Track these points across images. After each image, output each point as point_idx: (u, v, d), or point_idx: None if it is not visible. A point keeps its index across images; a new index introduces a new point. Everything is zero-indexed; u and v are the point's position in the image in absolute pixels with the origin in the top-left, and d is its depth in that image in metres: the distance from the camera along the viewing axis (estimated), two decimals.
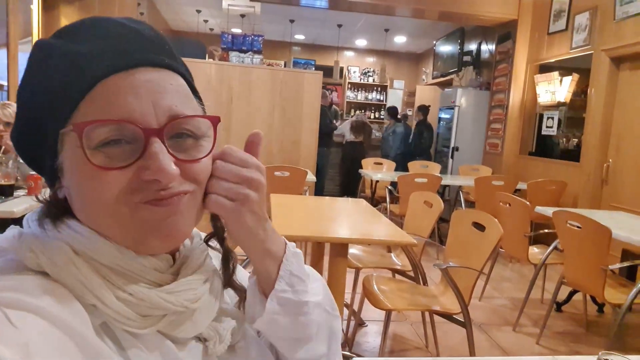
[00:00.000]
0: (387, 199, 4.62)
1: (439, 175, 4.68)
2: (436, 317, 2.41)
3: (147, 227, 0.44)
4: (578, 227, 2.49)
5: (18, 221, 0.47)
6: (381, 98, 10.20)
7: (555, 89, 5.01)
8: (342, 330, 2.66)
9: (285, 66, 9.35)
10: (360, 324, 2.85)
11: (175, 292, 0.46)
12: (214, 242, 0.58)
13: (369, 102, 10.19)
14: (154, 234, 0.44)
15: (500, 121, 6.05)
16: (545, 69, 5.35)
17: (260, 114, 5.29)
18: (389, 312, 2.20)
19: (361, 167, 5.77)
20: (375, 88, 10.24)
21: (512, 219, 3.12)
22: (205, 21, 8.87)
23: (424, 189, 3.60)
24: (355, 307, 2.74)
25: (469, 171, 5.79)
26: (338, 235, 2.05)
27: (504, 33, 6.09)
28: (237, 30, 8.21)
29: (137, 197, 0.43)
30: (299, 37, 9.77)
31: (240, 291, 0.58)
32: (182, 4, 7.81)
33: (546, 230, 3.26)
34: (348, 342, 2.61)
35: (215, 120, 0.49)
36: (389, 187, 4.73)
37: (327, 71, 8.71)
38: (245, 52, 5.83)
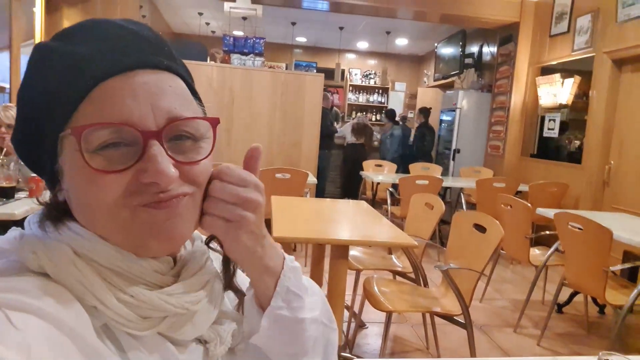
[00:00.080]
0: (388, 201, 4.62)
1: (440, 177, 4.68)
2: (437, 319, 2.41)
3: (146, 230, 0.44)
4: (579, 228, 2.49)
5: (19, 223, 0.47)
6: (382, 100, 10.20)
7: (557, 91, 5.01)
8: (343, 332, 2.66)
9: (286, 68, 9.37)
10: (361, 325, 2.85)
11: (175, 294, 0.46)
12: (214, 244, 0.59)
13: (371, 104, 10.20)
14: (154, 236, 0.45)
15: (501, 123, 6.04)
16: (546, 71, 5.34)
17: (262, 116, 5.30)
18: (389, 314, 2.20)
19: (362, 169, 5.77)
20: (376, 90, 10.24)
21: (514, 221, 3.12)
22: (207, 24, 8.89)
23: (425, 191, 3.60)
24: (356, 309, 2.74)
25: (470, 173, 5.78)
26: (339, 237, 2.05)
27: (506, 35, 6.09)
28: (238, 33, 8.23)
29: (136, 200, 0.43)
30: (301, 39, 9.79)
31: (241, 294, 0.58)
32: (184, 7, 7.83)
33: (547, 232, 3.26)
34: (349, 344, 2.61)
35: (214, 122, 0.48)
36: (390, 189, 4.73)
37: (329, 73, 8.71)
38: (246, 54, 5.84)
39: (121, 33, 0.45)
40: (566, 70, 4.99)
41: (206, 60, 6.26)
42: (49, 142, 0.44)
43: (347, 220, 2.46)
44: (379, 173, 5.62)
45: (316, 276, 2.71)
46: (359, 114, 9.77)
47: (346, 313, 2.82)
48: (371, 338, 2.79)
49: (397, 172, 5.87)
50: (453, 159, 6.38)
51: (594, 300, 3.29)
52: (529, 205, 3.08)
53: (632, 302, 2.26)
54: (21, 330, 0.35)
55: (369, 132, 7.27)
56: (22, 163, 2.13)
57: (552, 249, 2.90)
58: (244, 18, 7.60)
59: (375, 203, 5.01)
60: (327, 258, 2.20)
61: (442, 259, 4.24)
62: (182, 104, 0.46)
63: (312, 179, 4.10)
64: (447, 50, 7.74)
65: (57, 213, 0.47)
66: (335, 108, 8.37)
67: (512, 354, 2.68)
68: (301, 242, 4.26)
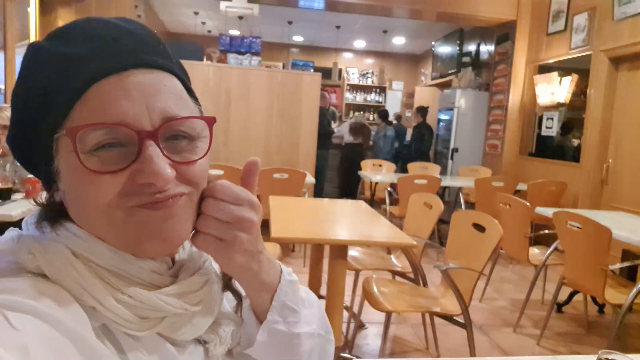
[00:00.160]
0: (387, 201, 4.61)
1: (439, 176, 4.68)
2: (436, 319, 2.40)
3: (143, 231, 0.44)
4: (578, 227, 2.49)
5: (16, 224, 0.47)
6: (380, 99, 10.21)
7: (555, 90, 5.02)
8: (342, 332, 2.65)
9: (283, 68, 9.36)
10: (360, 326, 2.84)
11: (174, 294, 0.46)
12: None
13: (368, 103, 10.20)
14: (150, 237, 0.44)
15: (499, 122, 6.05)
16: (544, 69, 5.35)
17: (259, 115, 5.29)
18: (389, 314, 2.19)
19: (360, 169, 5.76)
20: (374, 89, 10.25)
21: (512, 220, 3.11)
22: (203, 23, 8.87)
23: (424, 191, 3.60)
24: (355, 309, 2.73)
25: (468, 172, 5.78)
26: (337, 237, 2.04)
27: (503, 34, 6.09)
28: (235, 32, 8.22)
29: (131, 200, 0.43)
30: (297, 38, 9.78)
31: (239, 295, 0.58)
32: (180, 6, 7.82)
33: (546, 231, 3.26)
34: (348, 345, 2.60)
35: (210, 121, 0.48)
36: (389, 189, 4.73)
37: (326, 73, 8.71)
38: (243, 54, 5.82)
39: (115, 32, 0.45)
40: (563, 69, 5.00)
41: (202, 60, 6.25)
42: (44, 143, 0.44)
43: (346, 220, 2.46)
44: (377, 173, 5.62)
45: (315, 276, 2.70)
46: (356, 113, 9.77)
47: (345, 313, 2.81)
48: (371, 338, 2.78)
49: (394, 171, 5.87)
50: (451, 158, 6.38)
51: (594, 299, 3.30)
52: (528, 204, 3.08)
53: (631, 301, 2.26)
54: (20, 331, 0.35)
55: (367, 131, 7.27)
56: (18, 164, 2.13)
57: (551, 248, 2.90)
58: (240, 17, 7.59)
59: (374, 203, 5.01)
60: (326, 258, 2.19)
61: (441, 258, 4.24)
62: (177, 104, 0.45)
63: (310, 179, 4.09)
64: (445, 49, 7.75)
65: (54, 214, 0.46)
66: (332, 107, 8.36)
67: (512, 354, 2.68)
68: (300, 243, 4.26)
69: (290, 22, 8.43)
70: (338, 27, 8.50)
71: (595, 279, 2.40)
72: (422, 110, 6.87)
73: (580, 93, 4.80)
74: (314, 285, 2.71)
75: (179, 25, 9.20)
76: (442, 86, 8.16)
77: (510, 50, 5.89)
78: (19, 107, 0.46)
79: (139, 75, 0.43)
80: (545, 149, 5.35)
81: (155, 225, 0.44)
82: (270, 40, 9.36)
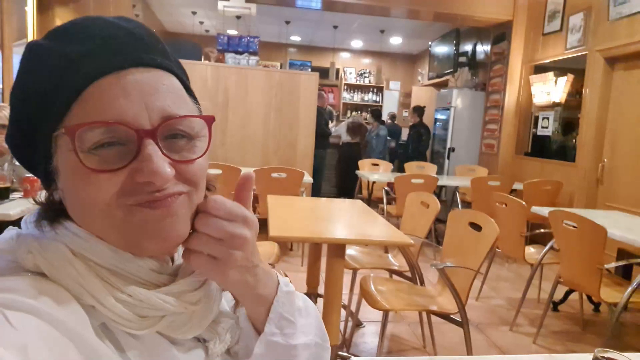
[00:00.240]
0: (384, 200, 4.62)
1: (436, 176, 4.69)
2: (433, 317, 2.41)
3: (142, 230, 0.44)
4: (574, 226, 2.50)
5: (14, 224, 0.47)
6: (377, 99, 10.21)
7: (551, 90, 5.03)
8: (340, 331, 2.66)
9: (281, 67, 9.36)
10: (358, 324, 2.85)
11: (173, 293, 0.46)
12: None
13: (365, 103, 10.21)
14: (149, 236, 0.44)
15: (496, 122, 6.06)
16: (540, 69, 5.37)
17: (257, 115, 5.29)
18: (386, 313, 2.20)
19: (358, 168, 5.77)
20: (371, 89, 10.26)
21: (509, 219, 3.13)
22: (201, 23, 8.86)
23: (421, 190, 3.61)
24: (353, 307, 2.74)
25: (465, 172, 5.80)
26: (335, 236, 2.05)
27: (499, 34, 6.11)
28: (232, 32, 8.21)
29: (130, 199, 0.43)
30: (295, 38, 9.78)
31: None
32: (178, 6, 7.80)
33: (542, 230, 3.28)
34: (346, 343, 2.61)
35: (209, 120, 0.48)
36: (386, 188, 4.73)
37: (323, 72, 8.72)
38: (241, 53, 5.82)
39: (114, 31, 0.45)
40: (559, 69, 5.01)
41: (200, 60, 6.24)
42: (43, 142, 0.44)
43: (343, 219, 2.46)
44: (374, 172, 5.63)
45: (313, 275, 2.71)
46: (354, 113, 9.78)
47: (343, 312, 2.82)
48: (368, 337, 2.79)
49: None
50: (448, 158, 6.40)
51: (589, 298, 3.32)
52: (524, 203, 3.09)
53: (626, 300, 2.27)
54: (19, 330, 0.35)
55: (364, 131, 7.28)
56: (16, 163, 2.12)
57: (547, 247, 2.91)
58: (238, 17, 7.58)
59: (371, 202, 5.01)
60: (324, 257, 2.20)
61: (438, 257, 4.25)
62: (176, 103, 0.45)
63: (307, 178, 4.10)
64: (441, 49, 7.76)
65: (54, 213, 0.46)
66: (329, 107, 8.37)
67: (508, 352, 2.69)
68: (297, 242, 4.26)
69: (287, 22, 8.42)
70: (335, 27, 8.50)
71: (590, 277, 2.41)
72: (419, 110, 6.88)
73: (575, 93, 4.82)
74: (312, 284, 2.72)
75: (176, 25, 9.18)
76: (439, 86, 8.17)
77: (506, 50, 5.91)
78: (18, 106, 0.46)
79: (138, 74, 0.44)
80: (541, 148, 5.37)
81: (154, 224, 0.44)
82: (268, 40, 9.35)
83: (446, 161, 6.40)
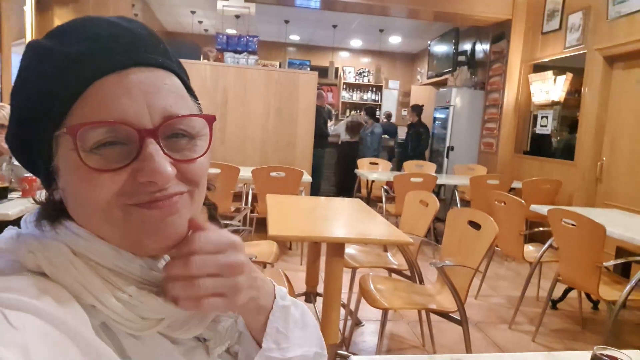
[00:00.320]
0: (383, 199, 4.63)
1: (435, 174, 4.69)
2: (432, 316, 2.42)
3: (142, 228, 0.44)
4: (573, 225, 2.51)
5: (13, 224, 0.47)
6: (376, 98, 10.21)
7: (550, 88, 5.04)
8: (339, 330, 2.67)
9: (280, 67, 9.35)
10: (357, 323, 2.85)
11: None
12: None
13: (364, 102, 10.20)
14: (150, 234, 0.44)
15: (495, 120, 6.07)
16: (539, 68, 5.37)
17: (256, 114, 5.29)
18: (385, 311, 2.21)
19: (357, 167, 5.78)
20: (370, 88, 10.26)
21: (508, 218, 3.13)
22: (200, 22, 8.85)
23: (420, 189, 3.61)
24: (352, 306, 2.74)
25: (464, 170, 5.80)
26: (334, 235, 2.05)
27: (498, 33, 6.11)
28: (232, 31, 8.20)
29: (130, 199, 0.43)
30: (294, 37, 9.77)
31: None
32: (177, 5, 7.79)
33: (541, 229, 3.28)
34: (345, 342, 2.62)
35: (210, 119, 0.48)
36: (385, 187, 4.74)
37: (322, 72, 8.71)
38: (240, 52, 5.82)
39: (115, 31, 0.45)
40: (558, 68, 5.02)
41: (199, 59, 6.24)
42: (44, 142, 0.44)
43: (343, 218, 2.46)
44: (373, 171, 5.63)
45: (312, 274, 2.71)
46: (352, 112, 9.77)
47: (342, 311, 2.82)
48: (367, 335, 2.79)
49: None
50: (447, 157, 6.40)
51: (588, 296, 3.32)
52: (523, 202, 3.10)
53: (625, 298, 2.28)
54: (19, 330, 0.35)
55: None
56: (14, 163, 2.12)
57: (546, 246, 2.92)
58: (237, 16, 7.57)
59: (370, 201, 5.02)
60: (323, 256, 2.20)
61: (437, 256, 4.25)
62: (177, 102, 0.46)
63: (307, 177, 4.10)
64: (440, 48, 7.76)
65: (54, 212, 0.46)
66: (328, 106, 8.37)
67: (508, 350, 2.70)
68: (297, 241, 4.26)
69: (287, 21, 8.42)
70: (335, 26, 8.50)
71: (589, 275, 2.42)
72: (417, 109, 6.87)
73: (574, 92, 4.83)
74: (311, 283, 2.72)
75: (176, 24, 9.17)
76: (438, 85, 8.18)
77: (505, 49, 5.91)
78: (19, 106, 0.46)
79: (140, 74, 0.44)
80: (540, 147, 5.37)
81: (154, 222, 0.44)
82: (267, 39, 9.34)
83: (445, 160, 6.40)
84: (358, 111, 9.85)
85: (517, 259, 3.56)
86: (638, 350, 0.96)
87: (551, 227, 2.71)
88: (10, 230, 0.46)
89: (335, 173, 7.44)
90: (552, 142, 5.17)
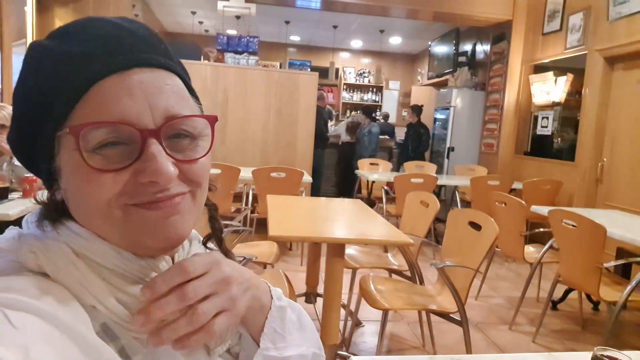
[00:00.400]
0: (384, 199, 4.63)
1: (435, 175, 4.69)
2: (433, 317, 2.41)
3: (143, 228, 0.44)
4: (573, 225, 2.51)
5: (14, 224, 0.47)
6: (377, 99, 10.21)
7: (550, 89, 5.04)
8: (340, 330, 2.67)
9: (280, 67, 9.35)
10: (357, 324, 2.85)
11: None
12: (212, 244, 0.59)
13: (365, 103, 10.20)
14: (151, 234, 0.44)
15: (495, 121, 6.07)
16: (539, 69, 5.37)
17: (256, 115, 5.29)
18: (385, 312, 2.20)
19: (357, 168, 5.78)
20: (370, 89, 10.26)
21: (508, 219, 3.13)
22: (201, 22, 8.85)
23: (420, 189, 3.61)
24: (352, 307, 2.74)
25: (464, 171, 5.80)
26: (335, 236, 2.05)
27: (499, 33, 6.11)
28: (232, 32, 8.21)
29: (131, 199, 0.43)
30: (295, 38, 9.77)
31: None
32: (177, 6, 7.80)
33: (542, 229, 3.28)
34: (345, 342, 2.62)
35: (212, 120, 0.48)
36: (385, 188, 4.74)
37: (323, 72, 8.71)
38: (240, 53, 5.82)
39: (116, 32, 0.45)
40: (559, 68, 5.02)
41: (200, 60, 6.24)
42: (46, 142, 0.44)
43: (343, 219, 2.46)
44: (373, 171, 5.63)
45: (312, 275, 2.71)
46: (353, 112, 9.77)
47: (342, 311, 2.82)
48: (367, 336, 2.79)
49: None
50: (447, 157, 6.40)
51: (588, 297, 3.32)
52: (523, 202, 3.10)
53: (625, 298, 2.28)
54: (20, 330, 0.35)
55: None
56: (15, 163, 2.12)
57: (546, 246, 2.92)
58: (238, 17, 7.57)
59: (371, 201, 5.02)
60: (324, 257, 2.20)
61: (438, 257, 4.25)
62: (179, 102, 0.46)
63: (307, 178, 4.10)
64: (441, 49, 7.76)
65: (55, 212, 0.46)
66: (328, 107, 8.37)
67: (508, 351, 2.69)
68: (297, 241, 4.26)
69: (287, 22, 8.42)
70: (335, 26, 8.50)
71: (590, 276, 2.41)
72: (417, 109, 6.86)
73: (575, 92, 4.83)
74: (311, 284, 2.72)
75: (176, 25, 9.17)
76: (439, 85, 8.18)
77: (506, 50, 5.91)
78: (21, 106, 0.46)
79: (141, 74, 0.44)
80: (541, 148, 5.37)
81: (156, 222, 0.44)
82: (268, 39, 9.35)
83: (446, 160, 6.40)
84: (358, 112, 9.86)
85: (517, 259, 3.56)
86: (638, 351, 0.96)
87: (552, 228, 2.71)
88: (11, 231, 0.47)
89: (335, 173, 7.44)
90: (553, 143, 5.16)
